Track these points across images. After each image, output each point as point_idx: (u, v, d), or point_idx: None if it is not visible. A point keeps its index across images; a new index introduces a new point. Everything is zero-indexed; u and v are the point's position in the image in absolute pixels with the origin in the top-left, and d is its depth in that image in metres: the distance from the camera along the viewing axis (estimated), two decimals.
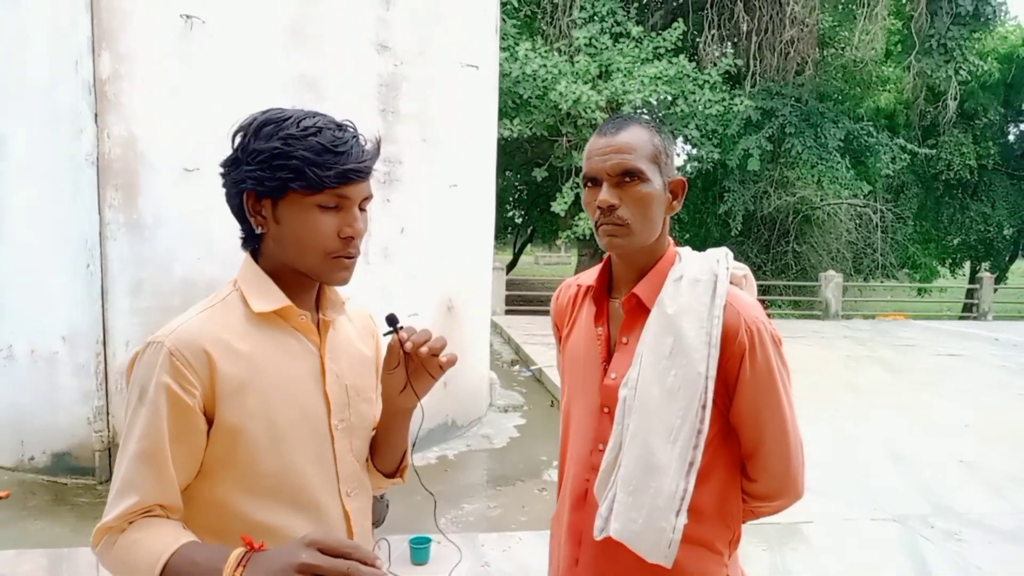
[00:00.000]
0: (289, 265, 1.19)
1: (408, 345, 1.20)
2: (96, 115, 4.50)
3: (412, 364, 1.23)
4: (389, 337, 1.26)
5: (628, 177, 1.32)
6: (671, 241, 1.45)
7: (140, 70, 4.55)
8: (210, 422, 1.12)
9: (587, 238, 14.90)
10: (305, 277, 1.20)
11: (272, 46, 4.72)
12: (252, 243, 1.21)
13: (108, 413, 4.65)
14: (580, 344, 1.47)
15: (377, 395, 1.35)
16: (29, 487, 4.64)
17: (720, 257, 1.40)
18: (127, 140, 4.56)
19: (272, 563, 0.95)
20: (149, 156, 4.59)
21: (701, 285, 1.33)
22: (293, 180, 1.11)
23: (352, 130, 1.19)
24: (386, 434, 1.33)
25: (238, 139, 1.17)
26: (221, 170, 1.20)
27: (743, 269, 1.45)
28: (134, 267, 4.63)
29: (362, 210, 1.20)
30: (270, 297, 1.17)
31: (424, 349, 1.19)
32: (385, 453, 1.35)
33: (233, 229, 1.23)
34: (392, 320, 1.25)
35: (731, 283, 1.38)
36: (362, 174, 1.16)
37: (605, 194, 1.33)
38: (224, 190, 1.20)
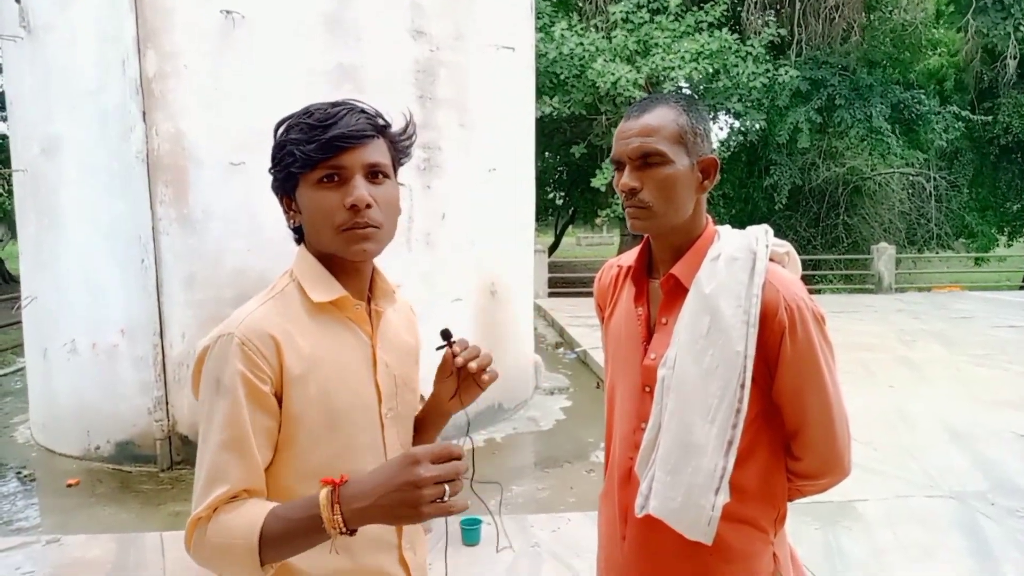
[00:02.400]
0: (323, 252, 1.22)
1: (459, 360, 1.27)
2: (144, 113, 4.63)
3: (462, 375, 1.31)
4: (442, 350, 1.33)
5: (649, 159, 1.33)
6: (709, 220, 1.44)
7: (184, 67, 4.65)
8: (279, 407, 1.16)
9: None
10: (350, 264, 1.22)
11: (310, 38, 4.77)
12: (297, 235, 1.27)
13: (167, 403, 4.81)
14: (622, 325, 1.49)
15: (419, 384, 1.41)
16: (96, 475, 4.85)
17: (759, 235, 1.39)
18: (175, 136, 4.68)
19: (380, 483, 0.98)
20: (196, 151, 4.70)
21: (739, 263, 1.33)
22: (292, 164, 1.15)
23: (350, 105, 1.19)
24: (424, 428, 1.40)
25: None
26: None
27: (784, 246, 1.43)
28: (187, 260, 4.76)
29: (374, 178, 1.19)
30: (328, 287, 1.21)
31: (473, 365, 1.27)
32: (417, 443, 1.41)
33: (278, 220, 1.30)
34: (446, 335, 1.31)
35: (772, 261, 1.37)
36: (351, 139, 1.15)
37: (626, 177, 1.35)
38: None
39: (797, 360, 1.31)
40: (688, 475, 1.29)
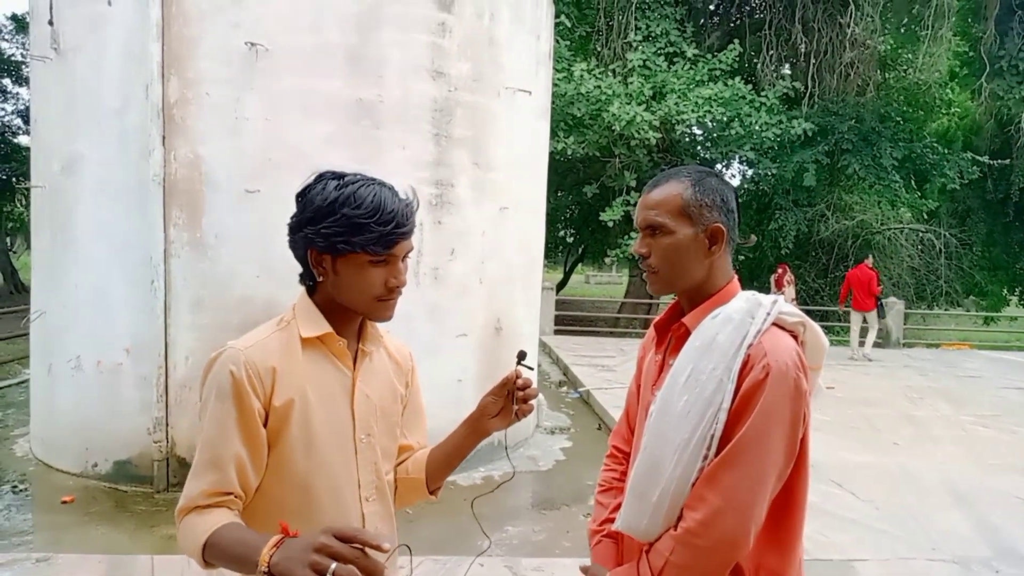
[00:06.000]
0: (341, 304, 1.41)
1: (520, 381, 1.48)
2: (164, 137, 4.71)
3: (509, 398, 1.50)
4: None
5: (654, 230, 1.50)
6: (734, 279, 1.54)
7: (206, 94, 4.75)
8: (264, 423, 1.35)
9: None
10: (350, 312, 1.43)
11: (331, 72, 4.87)
12: (309, 280, 1.43)
13: (167, 424, 4.81)
14: (648, 367, 1.65)
15: (400, 428, 1.58)
16: (92, 493, 4.83)
17: (764, 302, 1.45)
18: (192, 162, 4.76)
19: (298, 545, 1.10)
20: (213, 177, 4.77)
21: (732, 325, 1.42)
22: (356, 246, 1.34)
23: (400, 196, 1.39)
24: (454, 451, 1.57)
25: (305, 202, 1.37)
26: (288, 227, 1.40)
27: (798, 316, 1.47)
28: (196, 284, 4.80)
29: (404, 260, 1.42)
30: (316, 326, 1.41)
31: (521, 393, 1.48)
32: (442, 468, 1.59)
33: (289, 249, 1.43)
34: (522, 355, 1.52)
35: (784, 330, 1.43)
36: (407, 235, 1.39)
37: (637, 243, 1.54)
38: (289, 238, 1.41)
39: (747, 411, 1.35)
40: (654, 501, 1.42)
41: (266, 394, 1.33)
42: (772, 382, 1.34)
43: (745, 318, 1.41)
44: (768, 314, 1.42)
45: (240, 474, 1.32)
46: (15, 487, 4.98)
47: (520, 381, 1.48)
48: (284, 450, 1.36)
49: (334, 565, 1.04)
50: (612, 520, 1.59)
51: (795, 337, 1.46)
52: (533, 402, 1.51)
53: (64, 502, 4.68)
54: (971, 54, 16.38)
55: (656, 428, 1.44)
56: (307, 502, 1.39)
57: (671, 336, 1.56)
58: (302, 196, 1.38)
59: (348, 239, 1.32)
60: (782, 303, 1.47)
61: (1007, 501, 5.22)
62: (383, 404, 1.49)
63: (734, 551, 1.36)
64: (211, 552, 1.24)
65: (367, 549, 1.08)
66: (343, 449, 1.42)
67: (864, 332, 12.31)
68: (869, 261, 12.32)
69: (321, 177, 1.38)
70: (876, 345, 12.81)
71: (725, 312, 1.44)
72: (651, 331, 1.67)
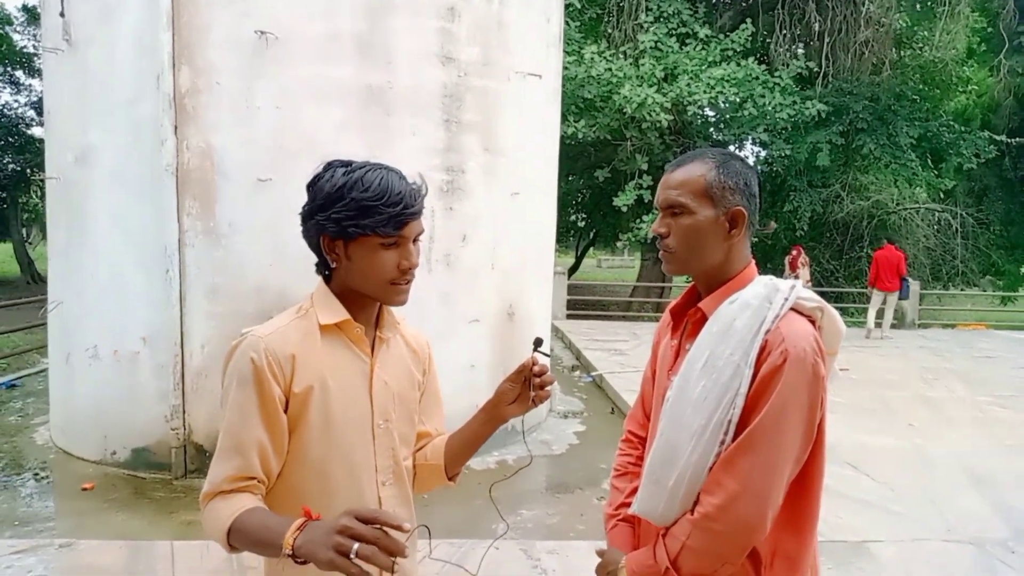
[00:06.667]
0: (356, 290, 1.43)
1: (536, 368, 1.49)
2: (176, 127, 4.73)
3: (526, 385, 1.52)
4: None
5: (675, 210, 1.48)
6: (751, 264, 1.53)
7: (217, 83, 4.75)
8: (284, 410, 1.37)
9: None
10: (367, 298, 1.45)
11: (341, 60, 4.86)
12: (324, 269, 1.45)
13: (184, 412, 4.87)
14: (664, 352, 1.64)
15: (419, 414, 1.60)
16: (111, 480, 4.91)
17: (782, 287, 1.44)
18: (204, 151, 4.77)
19: (320, 528, 1.13)
20: (225, 166, 4.79)
21: (750, 310, 1.40)
22: (367, 228, 1.35)
23: (407, 180, 1.41)
24: (472, 437, 1.59)
25: (315, 190, 1.39)
26: (300, 216, 1.42)
27: (816, 301, 1.46)
28: (210, 272, 4.84)
29: (415, 242, 1.43)
30: (334, 313, 1.43)
31: (538, 380, 1.49)
32: (460, 454, 1.60)
33: (301, 237, 1.44)
34: (538, 342, 1.54)
35: (801, 315, 1.43)
36: (416, 215, 1.39)
37: (656, 223, 1.52)
38: (302, 228, 1.42)
39: (765, 395, 1.34)
40: (668, 490, 1.42)
41: (286, 381, 1.35)
42: (790, 367, 1.33)
43: (763, 303, 1.40)
44: (786, 299, 1.41)
45: (262, 459, 1.35)
46: (37, 475, 5.07)
47: (536, 368, 1.49)
48: (303, 436, 1.38)
49: (357, 546, 1.07)
50: (628, 504, 1.60)
51: (812, 322, 1.45)
52: (549, 388, 1.52)
53: (84, 489, 4.75)
54: (989, 30, 16.12)
55: (673, 413, 1.44)
56: (325, 487, 1.41)
57: (687, 321, 1.55)
58: (312, 185, 1.40)
59: (358, 222, 1.34)
60: (800, 288, 1.46)
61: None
62: (401, 390, 1.51)
63: (751, 535, 1.36)
64: (236, 536, 1.27)
65: (387, 529, 1.10)
66: (361, 435, 1.44)
67: (881, 313, 12.48)
68: (890, 245, 12.49)
69: (330, 166, 1.40)
70: (892, 326, 12.79)
71: (743, 297, 1.43)
72: (666, 316, 1.65)
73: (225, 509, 1.29)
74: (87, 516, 4.39)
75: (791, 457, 1.36)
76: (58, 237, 5.56)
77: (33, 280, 20.74)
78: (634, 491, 1.56)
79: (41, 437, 5.86)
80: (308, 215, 1.40)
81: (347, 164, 1.39)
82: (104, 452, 5.12)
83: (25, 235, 25.49)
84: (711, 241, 1.46)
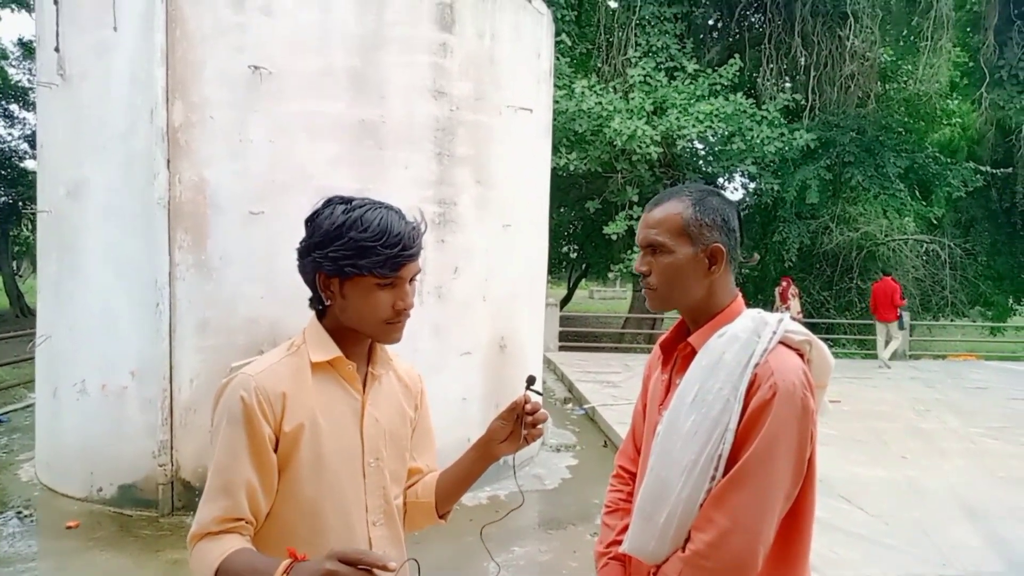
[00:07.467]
0: (350, 327, 1.42)
1: (528, 406, 1.48)
2: (168, 161, 4.74)
3: (518, 423, 1.50)
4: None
5: (654, 249, 1.50)
6: (738, 297, 1.54)
7: (210, 118, 4.79)
8: (274, 449, 1.36)
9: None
10: (360, 335, 1.44)
11: (334, 94, 4.91)
12: (319, 304, 1.44)
13: (172, 447, 4.81)
14: (654, 387, 1.64)
15: (410, 451, 1.58)
16: (96, 517, 4.82)
17: (770, 321, 1.45)
18: (197, 185, 4.79)
19: (306, 569, 1.13)
20: (217, 200, 4.80)
21: (739, 344, 1.41)
22: (363, 268, 1.35)
23: (406, 220, 1.41)
24: (464, 475, 1.57)
25: (313, 226, 1.39)
26: (297, 251, 1.42)
27: (804, 335, 1.47)
28: (201, 306, 4.82)
29: (411, 282, 1.43)
30: (326, 350, 1.42)
31: (530, 418, 1.48)
32: (452, 492, 1.58)
33: (294, 270, 1.45)
34: (531, 380, 1.53)
35: (790, 348, 1.43)
36: (414, 257, 1.40)
37: (637, 261, 1.55)
38: (298, 263, 1.43)
39: (754, 432, 1.34)
40: (661, 523, 1.41)
41: (276, 419, 1.35)
42: (779, 401, 1.34)
43: (751, 337, 1.41)
44: (774, 333, 1.42)
45: (251, 500, 1.34)
46: (20, 513, 4.97)
47: (529, 406, 1.48)
48: (293, 475, 1.37)
49: None
50: (619, 542, 1.58)
51: (801, 356, 1.45)
52: (542, 426, 1.51)
53: (69, 527, 4.66)
54: (971, 64, 16.42)
55: (663, 448, 1.44)
56: (316, 526, 1.40)
57: (677, 355, 1.56)
58: (311, 221, 1.40)
59: (355, 262, 1.33)
60: (788, 321, 1.47)
61: (1018, 514, 5.17)
62: (392, 427, 1.50)
63: (743, 573, 1.35)
64: None
65: (373, 570, 1.09)
66: (352, 473, 1.43)
67: (886, 342, 12.83)
68: (887, 277, 12.96)
69: (329, 202, 1.39)
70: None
71: (731, 331, 1.43)
72: (656, 350, 1.66)
73: (213, 551, 1.28)
74: (70, 556, 4.30)
75: (782, 492, 1.36)
76: (49, 270, 5.54)
77: (22, 313, 20.58)
78: (625, 528, 1.56)
79: (26, 474, 5.77)
80: (305, 251, 1.40)
81: (347, 201, 1.39)
82: (90, 489, 5.04)
83: (15, 268, 25.37)
84: (691, 278, 1.48)
